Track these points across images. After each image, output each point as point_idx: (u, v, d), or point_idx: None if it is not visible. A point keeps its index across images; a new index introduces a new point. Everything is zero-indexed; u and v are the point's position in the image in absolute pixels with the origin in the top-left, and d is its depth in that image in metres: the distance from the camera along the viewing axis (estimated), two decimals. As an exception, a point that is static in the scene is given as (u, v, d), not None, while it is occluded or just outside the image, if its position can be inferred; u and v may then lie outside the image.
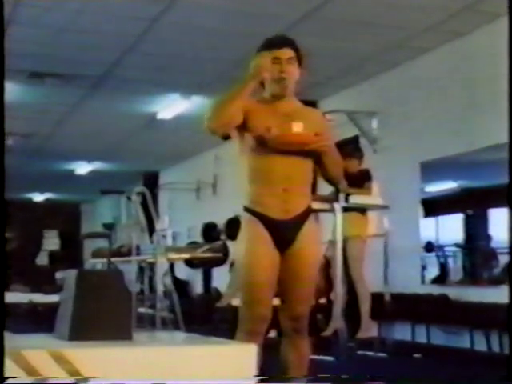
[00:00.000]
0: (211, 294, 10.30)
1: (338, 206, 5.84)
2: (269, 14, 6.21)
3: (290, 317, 3.18)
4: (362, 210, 6.49)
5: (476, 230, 7.03)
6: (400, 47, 7.08)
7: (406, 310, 6.82)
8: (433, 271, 7.27)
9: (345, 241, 6.04)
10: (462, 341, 6.41)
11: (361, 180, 6.44)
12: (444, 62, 7.06)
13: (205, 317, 8.62)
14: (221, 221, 10.03)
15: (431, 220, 7.47)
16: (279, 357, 3.22)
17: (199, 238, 10.79)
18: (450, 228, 7.34)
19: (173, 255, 8.34)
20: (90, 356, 2.24)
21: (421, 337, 6.92)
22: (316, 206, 4.77)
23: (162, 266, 7.07)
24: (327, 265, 6.48)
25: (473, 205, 7.06)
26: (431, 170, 7.19)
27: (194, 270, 11.01)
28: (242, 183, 3.19)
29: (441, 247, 7.30)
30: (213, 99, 3.19)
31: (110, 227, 13.15)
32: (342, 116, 7.75)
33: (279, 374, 3.15)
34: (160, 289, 7.02)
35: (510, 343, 5.19)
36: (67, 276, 2.73)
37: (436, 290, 6.88)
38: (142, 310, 7.33)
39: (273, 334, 5.00)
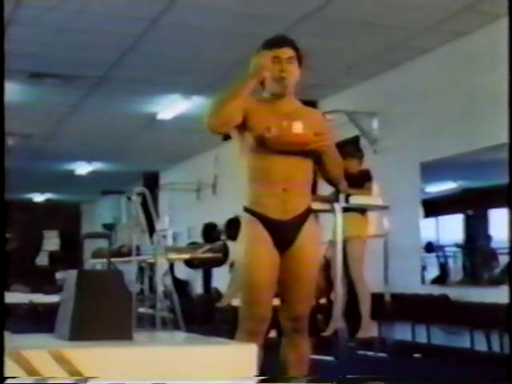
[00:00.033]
0: (211, 294, 10.30)
1: (338, 207, 5.84)
2: (269, 15, 6.21)
3: (290, 317, 3.18)
4: (362, 210, 6.49)
5: (476, 230, 7.03)
6: (400, 47, 7.08)
7: (406, 310, 6.81)
8: (433, 271, 7.27)
9: (345, 241, 6.03)
10: (463, 341, 6.40)
11: (361, 180, 6.44)
12: (444, 62, 7.06)
13: (205, 317, 8.62)
14: (221, 221, 10.03)
15: (431, 220, 7.47)
16: (279, 357, 3.22)
17: (199, 239, 10.80)
18: (450, 228, 7.34)
19: (173, 255, 8.36)
20: (90, 356, 2.24)
21: (421, 337, 6.92)
22: (316, 206, 4.77)
23: (162, 266, 7.08)
24: (327, 265, 6.48)
25: (473, 205, 7.06)
26: (431, 170, 7.19)
27: (194, 270, 11.02)
28: (241, 183, 3.19)
29: (441, 247, 7.30)
30: (213, 99, 3.19)
31: (110, 227, 13.17)
32: (342, 116, 7.75)
33: (279, 374, 3.15)
34: (160, 289, 7.02)
35: (510, 343, 5.19)
36: (67, 276, 2.73)
37: (436, 290, 6.88)
38: (142, 310, 7.34)
39: (273, 333, 5.00)
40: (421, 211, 7.29)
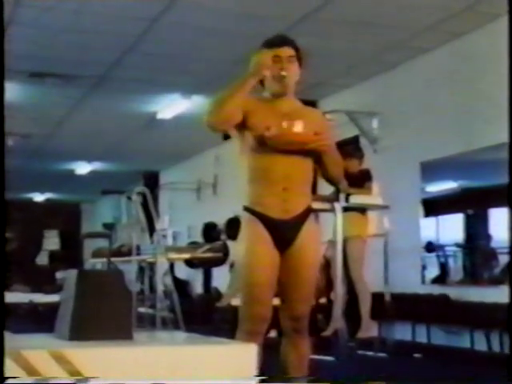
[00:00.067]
0: (211, 294, 10.30)
1: (338, 206, 5.83)
2: (269, 15, 6.20)
3: (290, 317, 3.18)
4: (363, 209, 6.49)
5: (476, 229, 7.04)
6: (400, 47, 7.08)
7: (406, 310, 6.81)
8: (433, 271, 7.27)
9: (345, 241, 6.03)
10: (463, 341, 6.41)
11: (361, 180, 6.44)
12: (444, 61, 7.07)
13: (205, 317, 8.62)
14: (221, 221, 10.03)
15: (431, 220, 7.47)
16: (279, 357, 3.22)
17: (199, 238, 10.80)
18: (451, 228, 7.34)
19: (173, 255, 8.36)
20: (90, 356, 2.24)
21: (421, 337, 6.92)
22: (316, 205, 4.76)
23: (162, 265, 7.07)
24: (327, 265, 6.48)
25: (473, 205, 7.06)
26: (431, 169, 7.19)
27: (194, 269, 11.02)
28: (242, 183, 3.19)
29: (441, 247, 7.30)
30: (213, 97, 3.18)
31: (110, 227, 13.19)
32: (342, 116, 7.75)
33: (279, 374, 3.15)
34: (160, 289, 7.02)
35: (510, 343, 5.20)
36: (67, 276, 2.73)
37: (436, 289, 6.88)
38: (142, 309, 7.33)
39: (273, 333, 5.00)
40: (421, 211, 7.29)
